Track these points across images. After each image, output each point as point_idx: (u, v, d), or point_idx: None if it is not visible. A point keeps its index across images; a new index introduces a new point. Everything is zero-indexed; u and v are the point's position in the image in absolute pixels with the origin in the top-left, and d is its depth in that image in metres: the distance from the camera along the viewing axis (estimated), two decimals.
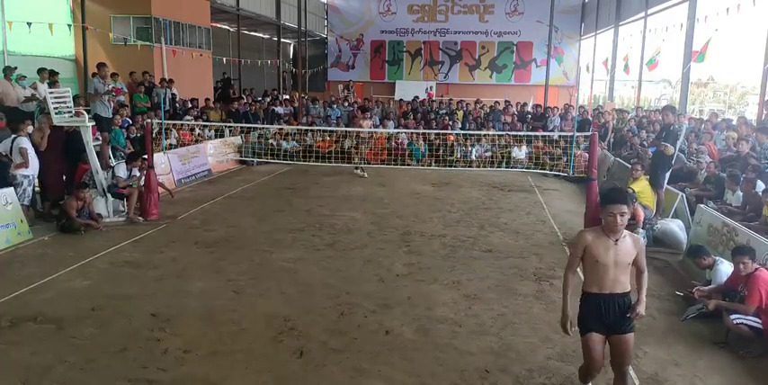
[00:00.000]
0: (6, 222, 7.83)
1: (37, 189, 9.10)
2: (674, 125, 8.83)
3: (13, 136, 8.70)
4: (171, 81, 16.66)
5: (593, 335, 3.89)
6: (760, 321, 5.09)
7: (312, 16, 29.37)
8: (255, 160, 15.05)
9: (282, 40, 29.74)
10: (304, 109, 20.50)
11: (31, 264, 7.09)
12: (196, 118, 15.74)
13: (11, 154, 8.55)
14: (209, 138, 15.25)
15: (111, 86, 11.17)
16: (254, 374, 4.57)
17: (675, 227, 8.17)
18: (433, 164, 14.83)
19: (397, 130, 16.17)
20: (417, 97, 22.76)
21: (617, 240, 3.78)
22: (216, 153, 14.77)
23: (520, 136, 15.04)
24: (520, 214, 10.50)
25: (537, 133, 15.21)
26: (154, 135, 10.30)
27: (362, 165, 14.15)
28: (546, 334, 5.41)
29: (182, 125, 14.01)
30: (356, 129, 14.76)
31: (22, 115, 10.96)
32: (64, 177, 9.65)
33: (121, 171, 9.53)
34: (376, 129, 15.15)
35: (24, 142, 8.57)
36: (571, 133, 12.11)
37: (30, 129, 9.02)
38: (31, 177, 8.66)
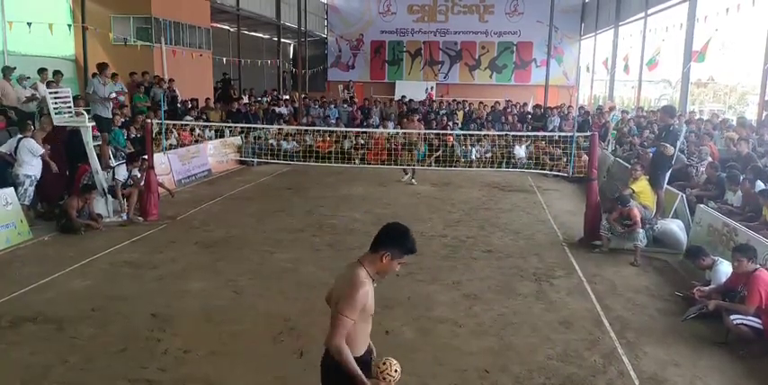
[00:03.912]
0: (6, 222, 7.83)
1: None
2: (674, 125, 8.82)
3: (19, 136, 8.72)
4: (171, 80, 16.67)
5: None
6: (760, 321, 5.09)
7: (312, 16, 29.36)
8: (255, 160, 15.05)
9: (282, 40, 29.72)
10: (304, 109, 20.50)
11: (31, 264, 7.09)
12: (196, 118, 15.74)
13: (15, 154, 8.56)
14: (210, 138, 15.26)
15: (113, 94, 11.07)
16: (254, 374, 4.57)
17: (675, 227, 8.17)
18: (433, 164, 14.83)
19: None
20: (412, 100, 22.62)
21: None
22: (216, 153, 14.78)
23: (520, 136, 15.04)
24: (520, 214, 10.50)
25: (537, 133, 15.22)
26: (154, 135, 10.28)
27: (413, 168, 13.33)
28: (546, 334, 5.41)
29: (182, 125, 14.00)
30: (407, 131, 13.59)
31: (23, 115, 10.97)
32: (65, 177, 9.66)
33: (121, 174, 9.50)
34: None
35: (31, 143, 8.57)
36: (571, 133, 12.11)
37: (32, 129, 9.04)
38: (33, 177, 8.67)
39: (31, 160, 8.61)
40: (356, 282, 2.83)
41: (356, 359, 2.88)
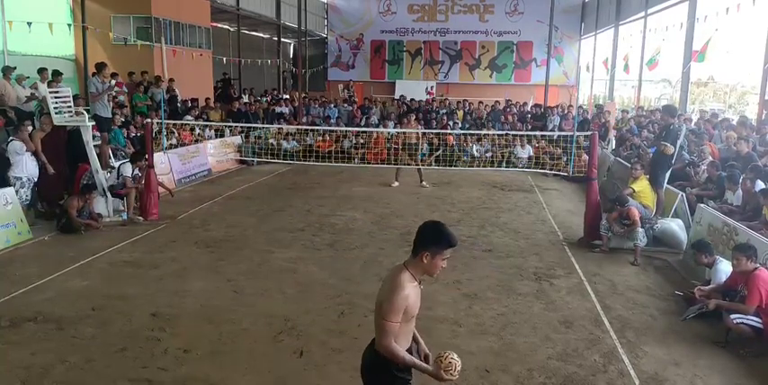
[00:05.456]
0: (6, 222, 7.83)
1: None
2: (674, 124, 8.82)
3: (9, 139, 8.68)
4: (170, 80, 16.66)
5: None
6: (760, 321, 5.09)
7: (312, 16, 29.35)
8: (255, 160, 15.06)
9: (282, 39, 29.72)
10: (304, 109, 20.50)
11: (31, 264, 7.09)
12: (196, 118, 15.74)
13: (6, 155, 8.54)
14: (210, 137, 15.26)
15: (113, 82, 11.07)
16: (254, 374, 4.57)
17: (675, 226, 8.17)
18: (434, 163, 14.82)
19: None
20: (413, 99, 22.69)
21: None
22: (216, 153, 14.78)
23: (521, 135, 15.04)
24: (520, 214, 10.50)
25: (537, 133, 15.20)
26: (154, 135, 10.27)
27: (419, 170, 13.06)
28: (546, 333, 5.41)
29: (182, 125, 14.01)
30: (406, 130, 13.47)
31: (23, 115, 10.97)
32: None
33: (128, 170, 9.50)
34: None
35: (14, 145, 8.51)
36: (571, 133, 12.11)
37: (29, 129, 9.01)
38: (25, 179, 8.60)
39: (19, 161, 8.53)
40: (395, 287, 2.84)
41: None
